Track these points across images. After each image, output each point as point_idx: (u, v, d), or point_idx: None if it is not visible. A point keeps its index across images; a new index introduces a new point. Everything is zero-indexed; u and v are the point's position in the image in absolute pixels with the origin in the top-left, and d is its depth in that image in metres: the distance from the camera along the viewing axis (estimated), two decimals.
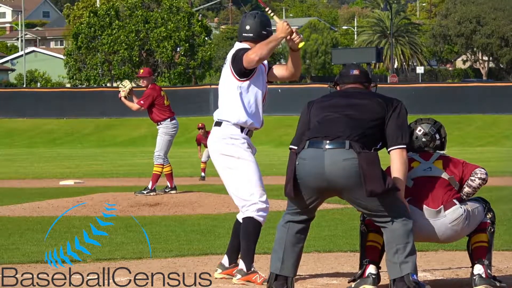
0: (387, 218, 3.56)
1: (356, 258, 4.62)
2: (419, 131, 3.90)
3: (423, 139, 3.89)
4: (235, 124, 3.98)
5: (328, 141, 3.50)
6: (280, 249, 3.65)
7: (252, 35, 4.04)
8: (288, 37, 3.89)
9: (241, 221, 4.11)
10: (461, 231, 3.84)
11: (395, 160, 3.59)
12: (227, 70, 4.04)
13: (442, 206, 3.79)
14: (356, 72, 3.72)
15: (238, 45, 4.06)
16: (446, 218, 3.78)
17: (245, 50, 3.99)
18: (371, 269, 3.81)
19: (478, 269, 3.86)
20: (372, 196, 3.49)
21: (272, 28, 4.07)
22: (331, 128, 3.55)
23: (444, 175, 3.82)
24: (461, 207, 3.82)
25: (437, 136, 3.92)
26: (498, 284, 3.86)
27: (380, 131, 3.58)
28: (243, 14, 4.23)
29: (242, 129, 3.99)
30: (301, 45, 3.92)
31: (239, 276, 4.04)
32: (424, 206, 3.77)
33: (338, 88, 3.78)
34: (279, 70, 4.09)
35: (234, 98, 3.99)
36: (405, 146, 3.59)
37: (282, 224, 3.68)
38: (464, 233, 3.87)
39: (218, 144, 4.00)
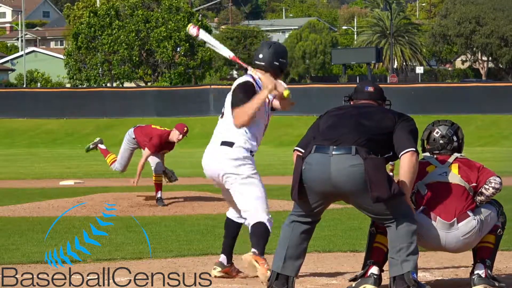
0: (392, 219, 3.58)
1: (356, 258, 4.62)
2: (437, 133, 3.87)
3: (441, 141, 3.86)
4: (246, 148, 4.08)
5: (334, 147, 3.52)
6: (283, 248, 3.66)
7: (263, 63, 4.16)
8: (273, 91, 4.03)
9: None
10: (474, 241, 3.83)
11: (403, 164, 3.57)
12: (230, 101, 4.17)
13: (455, 218, 3.77)
14: (371, 89, 3.74)
15: (244, 78, 4.16)
16: (458, 231, 3.77)
17: (241, 89, 4.08)
18: (373, 269, 3.81)
19: (479, 268, 3.87)
20: (378, 202, 3.50)
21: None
22: (338, 133, 3.56)
23: (460, 181, 3.79)
24: (475, 219, 3.79)
25: (455, 138, 3.88)
26: (497, 284, 3.86)
27: (389, 140, 3.58)
28: (262, 42, 4.34)
29: (250, 152, 4.13)
30: (286, 93, 4.04)
31: (250, 254, 4.10)
32: (438, 218, 3.76)
33: (352, 103, 3.80)
34: (277, 103, 4.24)
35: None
36: (414, 149, 3.57)
37: (287, 224, 3.70)
38: (476, 242, 3.86)
39: (230, 164, 4.10)
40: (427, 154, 3.91)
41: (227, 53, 4.22)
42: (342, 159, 3.49)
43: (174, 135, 7.82)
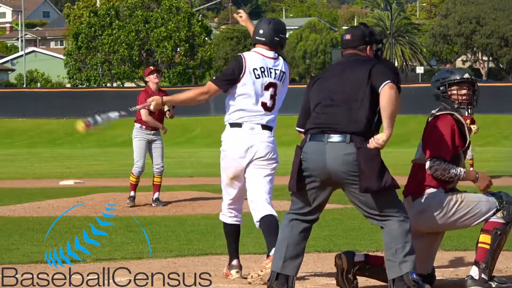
0: (384, 217, 3.55)
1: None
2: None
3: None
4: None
5: (328, 135, 3.50)
6: (282, 247, 3.64)
7: (264, 39, 4.21)
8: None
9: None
10: (443, 224, 3.75)
11: (381, 99, 3.42)
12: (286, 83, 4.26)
13: (409, 196, 3.76)
14: (347, 37, 3.62)
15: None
16: (413, 209, 3.73)
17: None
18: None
19: (473, 271, 3.85)
20: (367, 192, 3.47)
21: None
22: (330, 119, 3.52)
23: (421, 154, 3.76)
24: (434, 198, 3.71)
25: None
26: (493, 285, 3.83)
27: (373, 96, 3.46)
28: (260, 19, 4.41)
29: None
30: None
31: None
32: (404, 200, 3.76)
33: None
34: None
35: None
36: (389, 80, 3.41)
37: (285, 224, 3.68)
38: (449, 226, 3.78)
39: (273, 149, 4.18)
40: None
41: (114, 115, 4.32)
42: (337, 147, 3.47)
43: (150, 81, 7.84)
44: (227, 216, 4.30)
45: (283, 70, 4.19)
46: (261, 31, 4.20)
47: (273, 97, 4.15)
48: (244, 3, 65.74)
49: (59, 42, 59.22)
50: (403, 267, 3.53)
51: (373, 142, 3.47)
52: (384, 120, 3.45)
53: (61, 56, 42.49)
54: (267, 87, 4.15)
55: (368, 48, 3.63)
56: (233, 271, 4.26)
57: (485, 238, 3.84)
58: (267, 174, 4.15)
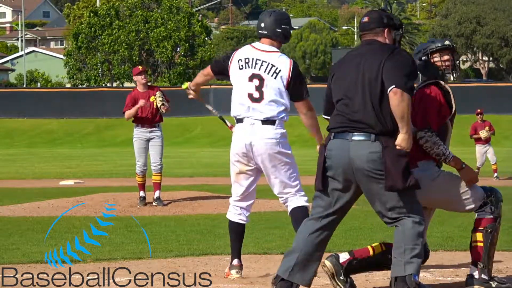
0: (401, 215, 3.52)
1: None
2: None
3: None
4: (284, 122, 4.16)
5: (352, 133, 3.48)
6: (294, 253, 3.55)
7: (266, 32, 4.17)
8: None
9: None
10: (433, 195, 3.72)
11: (390, 103, 3.42)
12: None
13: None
14: (365, 19, 3.58)
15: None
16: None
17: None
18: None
19: (472, 270, 3.86)
20: (392, 191, 3.46)
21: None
22: (353, 118, 3.49)
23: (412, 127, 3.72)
24: (421, 169, 3.69)
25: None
26: (493, 285, 3.83)
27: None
28: (262, 12, 4.37)
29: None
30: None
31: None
32: None
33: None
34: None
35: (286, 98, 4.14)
36: (394, 86, 3.41)
37: (302, 230, 3.59)
38: (442, 202, 3.74)
39: (276, 144, 4.11)
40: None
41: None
42: (361, 145, 3.47)
43: (137, 81, 7.94)
44: (232, 213, 4.27)
45: (274, 63, 4.08)
46: (262, 24, 4.15)
47: (258, 88, 4.09)
48: (244, 3, 65.76)
49: (59, 42, 59.22)
50: (407, 268, 3.51)
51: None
52: (398, 123, 3.45)
53: (61, 56, 42.48)
54: (250, 78, 4.11)
55: (386, 31, 3.58)
56: (233, 271, 4.24)
57: (478, 237, 3.84)
58: (278, 169, 4.11)
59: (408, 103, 3.43)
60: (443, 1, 51.94)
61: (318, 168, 3.55)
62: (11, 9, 66.53)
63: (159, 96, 7.80)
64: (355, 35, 53.53)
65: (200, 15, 42.71)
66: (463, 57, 47.64)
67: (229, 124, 4.47)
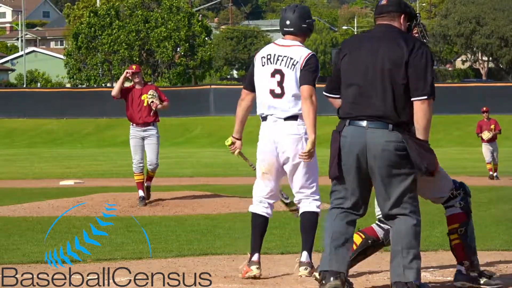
0: (401, 212, 3.47)
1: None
2: None
3: None
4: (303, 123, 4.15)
5: (369, 121, 3.42)
6: (327, 246, 3.48)
7: (293, 29, 4.20)
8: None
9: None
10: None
11: (415, 113, 3.40)
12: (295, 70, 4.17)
13: None
14: (383, 2, 3.51)
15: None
16: None
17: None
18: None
19: (458, 267, 3.86)
20: (427, 173, 3.38)
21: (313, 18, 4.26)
22: (369, 104, 3.40)
23: None
24: None
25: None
26: (482, 281, 3.81)
27: (407, 76, 3.37)
28: (282, 9, 4.35)
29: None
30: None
31: (309, 268, 4.14)
32: None
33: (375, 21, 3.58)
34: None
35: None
36: (425, 96, 3.37)
37: (329, 219, 3.52)
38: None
39: (299, 139, 4.10)
40: None
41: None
42: (379, 133, 3.41)
43: (133, 80, 7.99)
44: (260, 207, 4.21)
45: (292, 56, 4.10)
46: (288, 22, 4.16)
47: (280, 84, 4.10)
48: (244, 3, 65.72)
49: (59, 42, 59.21)
50: (408, 274, 3.47)
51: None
52: (418, 131, 3.42)
53: (61, 56, 42.48)
54: (272, 74, 4.12)
55: (402, 17, 3.51)
56: (254, 267, 4.18)
57: (454, 238, 3.83)
58: (298, 168, 4.11)
59: (432, 111, 3.43)
60: (443, 1, 51.92)
61: (332, 155, 3.47)
62: (11, 9, 66.53)
63: (150, 94, 7.87)
64: None
65: (200, 15, 42.69)
66: (463, 57, 47.64)
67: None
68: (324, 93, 3.61)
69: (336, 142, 3.49)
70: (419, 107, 3.41)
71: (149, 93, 7.89)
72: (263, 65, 4.14)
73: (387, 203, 3.50)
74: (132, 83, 8.04)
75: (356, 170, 3.47)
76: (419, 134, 3.44)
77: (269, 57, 4.14)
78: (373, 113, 3.42)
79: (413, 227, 3.49)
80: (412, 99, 3.43)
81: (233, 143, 4.28)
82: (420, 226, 3.54)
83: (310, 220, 4.15)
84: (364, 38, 3.56)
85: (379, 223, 3.95)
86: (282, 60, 4.12)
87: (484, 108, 13.32)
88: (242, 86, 4.32)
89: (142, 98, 7.86)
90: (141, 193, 7.92)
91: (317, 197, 4.23)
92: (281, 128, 4.10)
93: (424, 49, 3.44)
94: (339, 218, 3.52)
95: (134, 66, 8.09)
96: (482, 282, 3.83)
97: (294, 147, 4.10)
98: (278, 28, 4.34)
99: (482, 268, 3.93)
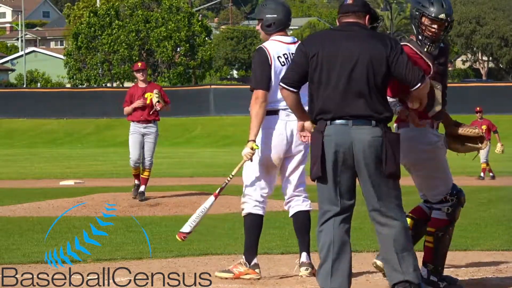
0: (389, 215, 3.44)
1: (356, 258, 4.59)
2: None
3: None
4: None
5: (353, 119, 3.41)
6: (327, 262, 3.41)
7: (282, 27, 4.25)
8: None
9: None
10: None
11: (420, 95, 3.50)
12: None
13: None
14: (349, 1, 3.53)
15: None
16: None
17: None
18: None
19: (422, 270, 3.81)
20: (390, 177, 3.40)
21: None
22: (349, 105, 3.40)
23: None
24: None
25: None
26: (441, 285, 3.78)
27: (388, 73, 3.43)
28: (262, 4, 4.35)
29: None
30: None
31: (310, 269, 4.16)
32: None
33: (337, 21, 3.58)
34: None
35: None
36: (420, 83, 3.46)
37: (321, 231, 3.47)
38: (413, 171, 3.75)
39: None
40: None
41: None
42: (363, 130, 3.40)
43: (137, 77, 8.12)
44: (258, 207, 4.18)
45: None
46: (281, 16, 4.22)
47: None
48: (244, 3, 65.72)
49: (59, 42, 59.21)
50: (406, 274, 3.44)
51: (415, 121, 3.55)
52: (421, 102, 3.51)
53: (61, 56, 42.47)
54: None
55: (367, 18, 3.55)
56: (258, 270, 4.18)
57: (429, 239, 3.81)
58: (300, 165, 4.16)
59: (428, 83, 3.54)
60: None
61: (314, 155, 3.42)
62: (11, 9, 66.53)
63: (156, 93, 7.98)
64: None
65: (200, 15, 42.68)
66: (463, 57, 47.65)
67: None
68: (280, 84, 3.50)
69: (318, 142, 3.44)
70: (420, 92, 3.52)
71: (154, 92, 8.00)
72: (283, 65, 4.17)
73: (373, 200, 3.47)
74: (137, 81, 8.16)
75: (341, 168, 3.44)
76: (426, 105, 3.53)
77: (285, 56, 4.18)
78: (356, 112, 3.40)
79: (405, 231, 3.47)
80: (411, 89, 3.50)
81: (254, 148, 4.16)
82: (408, 225, 3.52)
83: (305, 220, 4.16)
84: (337, 36, 3.51)
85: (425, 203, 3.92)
86: (291, 57, 4.19)
87: (478, 108, 13.33)
88: (248, 87, 4.29)
89: (146, 96, 7.98)
90: (136, 181, 8.07)
91: (307, 195, 4.26)
92: (294, 122, 4.03)
93: (399, 45, 3.51)
94: (334, 229, 3.48)
95: (139, 64, 8.22)
96: (441, 286, 3.81)
97: (303, 143, 4.06)
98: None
99: (447, 274, 3.91)
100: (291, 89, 3.48)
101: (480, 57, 45.88)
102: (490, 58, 44.78)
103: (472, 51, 44.92)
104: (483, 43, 42.44)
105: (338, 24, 3.57)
